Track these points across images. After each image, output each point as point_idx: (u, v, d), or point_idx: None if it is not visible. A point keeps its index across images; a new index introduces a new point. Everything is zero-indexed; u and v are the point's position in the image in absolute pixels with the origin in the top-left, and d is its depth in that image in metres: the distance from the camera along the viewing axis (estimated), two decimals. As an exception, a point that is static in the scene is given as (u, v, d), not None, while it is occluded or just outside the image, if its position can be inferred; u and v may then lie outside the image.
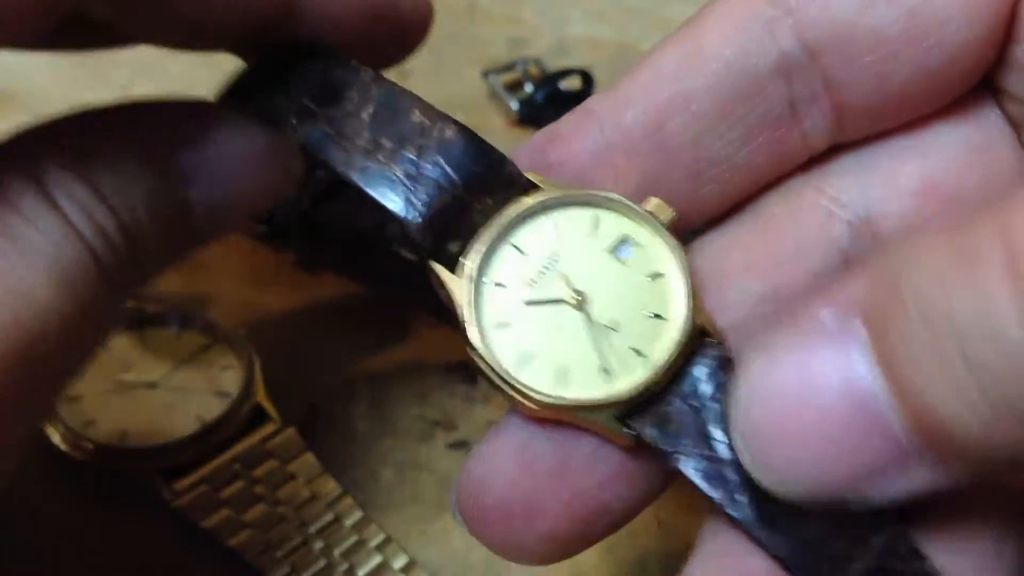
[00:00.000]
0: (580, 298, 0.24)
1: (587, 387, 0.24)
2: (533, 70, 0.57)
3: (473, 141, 0.25)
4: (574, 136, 0.27)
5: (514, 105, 0.55)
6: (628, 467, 0.25)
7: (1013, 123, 0.27)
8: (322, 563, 0.36)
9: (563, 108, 0.57)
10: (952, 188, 0.26)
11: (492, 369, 0.24)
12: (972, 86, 0.26)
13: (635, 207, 0.25)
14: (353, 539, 0.37)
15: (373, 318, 0.45)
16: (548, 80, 0.55)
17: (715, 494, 0.24)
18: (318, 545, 0.36)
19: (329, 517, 0.37)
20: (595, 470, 0.25)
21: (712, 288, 0.26)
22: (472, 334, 0.24)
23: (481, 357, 0.24)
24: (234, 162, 0.27)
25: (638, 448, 0.24)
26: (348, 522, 0.37)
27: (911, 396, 0.19)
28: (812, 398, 0.21)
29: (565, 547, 0.26)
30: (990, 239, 0.18)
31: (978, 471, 0.20)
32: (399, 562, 0.36)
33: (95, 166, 0.25)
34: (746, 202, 0.28)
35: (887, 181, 0.27)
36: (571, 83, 0.56)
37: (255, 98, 0.27)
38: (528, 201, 0.25)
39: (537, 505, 0.25)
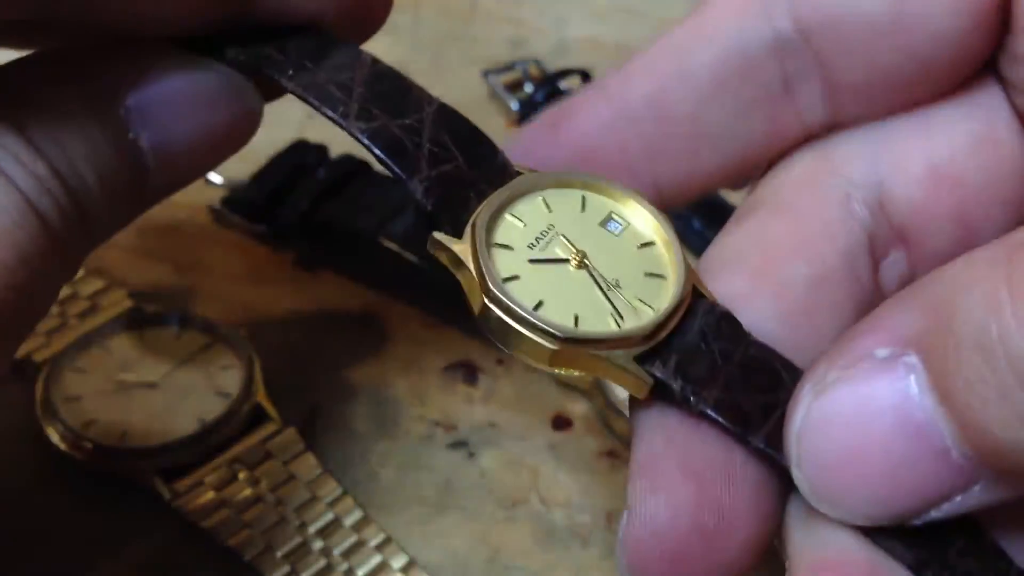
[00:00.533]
0: (582, 256, 0.25)
1: (603, 326, 0.24)
2: (533, 70, 0.57)
3: (469, 123, 0.27)
4: (584, 107, 0.28)
5: (514, 105, 0.55)
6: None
7: (1019, 113, 0.27)
8: (322, 563, 0.36)
9: (563, 108, 0.57)
10: (956, 174, 0.27)
11: (509, 310, 0.23)
12: (969, 75, 0.27)
13: (618, 186, 0.26)
14: (353, 539, 0.37)
15: (373, 318, 0.45)
16: (548, 80, 0.55)
17: (736, 427, 0.23)
18: (318, 545, 0.36)
19: (329, 517, 0.37)
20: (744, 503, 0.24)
21: (749, 274, 0.26)
22: (486, 281, 0.24)
23: (498, 299, 0.24)
24: (186, 100, 0.26)
25: (655, 396, 0.24)
26: (348, 522, 0.37)
27: (969, 423, 0.20)
28: (869, 426, 0.21)
29: None
30: (999, 268, 0.19)
31: None
32: (399, 562, 0.36)
33: (26, 115, 0.24)
34: (746, 180, 0.29)
35: (894, 165, 0.27)
36: (571, 83, 0.56)
37: (232, 49, 0.27)
38: (521, 181, 0.26)
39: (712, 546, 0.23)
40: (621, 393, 0.41)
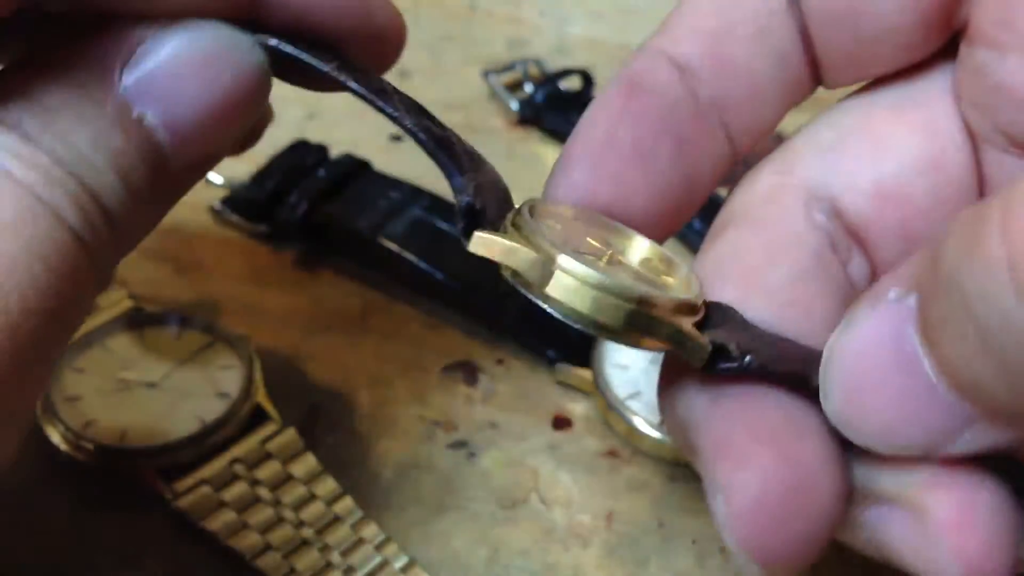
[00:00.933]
0: (612, 251, 0.26)
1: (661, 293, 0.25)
2: (533, 70, 0.57)
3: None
4: (651, 71, 0.29)
5: (514, 105, 0.55)
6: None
7: (969, 130, 0.29)
8: (322, 563, 0.36)
9: (563, 108, 0.57)
10: (903, 192, 0.29)
11: (582, 275, 0.24)
12: (919, 59, 0.29)
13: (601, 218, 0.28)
14: (353, 539, 0.37)
15: (373, 318, 0.45)
16: (548, 80, 0.55)
17: (788, 377, 0.25)
18: (318, 545, 0.36)
19: (329, 517, 0.37)
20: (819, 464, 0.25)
21: (733, 284, 0.27)
22: (551, 253, 0.24)
23: (570, 267, 0.24)
24: (185, 65, 0.25)
25: (707, 365, 0.25)
26: (348, 522, 0.37)
27: (942, 358, 0.21)
28: (876, 359, 0.23)
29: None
30: (994, 213, 0.20)
31: None
32: (399, 562, 0.36)
33: (17, 111, 0.23)
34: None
35: (846, 181, 0.29)
36: (571, 83, 0.56)
37: (268, 36, 0.26)
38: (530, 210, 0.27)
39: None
40: (621, 392, 0.41)
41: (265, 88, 0.26)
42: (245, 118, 0.26)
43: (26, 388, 0.23)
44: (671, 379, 0.27)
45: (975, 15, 0.27)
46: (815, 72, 0.30)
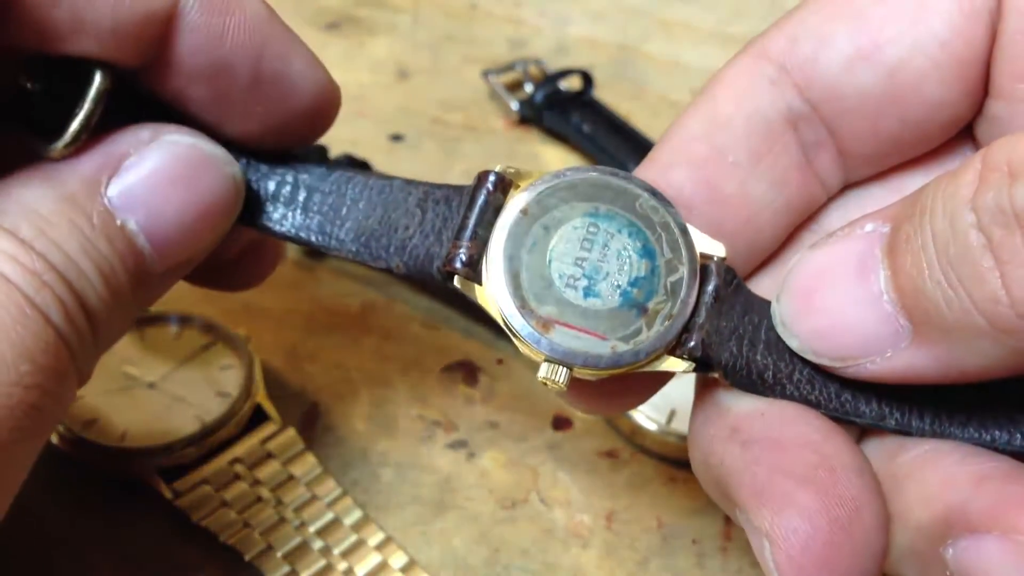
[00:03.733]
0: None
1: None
2: (533, 70, 0.57)
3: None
4: None
5: (514, 105, 0.55)
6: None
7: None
8: (322, 563, 0.36)
9: (563, 108, 0.57)
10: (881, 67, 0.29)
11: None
12: (955, 133, 0.29)
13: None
14: (353, 539, 0.37)
15: (373, 318, 0.45)
16: (548, 80, 0.56)
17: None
18: (318, 545, 0.36)
19: (329, 517, 0.37)
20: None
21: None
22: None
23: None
24: (165, 176, 0.27)
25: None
26: (348, 522, 0.37)
27: (897, 271, 0.24)
28: (834, 270, 0.25)
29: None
30: (976, 158, 0.22)
31: (955, 359, 0.23)
32: (399, 562, 0.36)
33: (15, 217, 0.25)
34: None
35: (818, 51, 0.29)
36: (571, 83, 0.56)
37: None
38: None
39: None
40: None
41: (240, 198, 0.29)
42: (221, 226, 0.28)
43: (8, 475, 0.25)
44: (700, 431, 0.28)
45: None
46: (822, 184, 0.30)
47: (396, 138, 0.54)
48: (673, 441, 0.40)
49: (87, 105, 0.26)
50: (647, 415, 0.40)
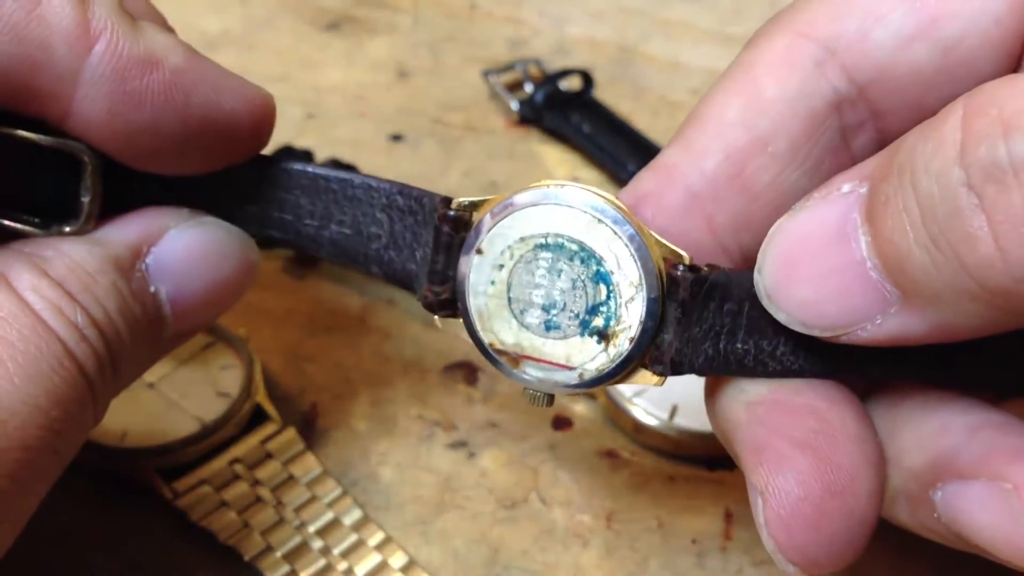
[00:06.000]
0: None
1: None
2: (533, 70, 0.57)
3: None
4: (663, 191, 0.29)
5: (514, 105, 0.55)
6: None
7: None
8: (322, 563, 0.36)
9: (563, 108, 0.57)
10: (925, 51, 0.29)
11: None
12: None
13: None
14: (353, 539, 0.37)
15: (373, 318, 0.45)
16: (548, 80, 0.55)
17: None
18: (318, 545, 0.36)
19: (329, 517, 0.37)
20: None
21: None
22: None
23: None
24: (199, 256, 0.29)
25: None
26: (348, 522, 0.37)
27: (879, 237, 0.23)
28: (814, 237, 0.24)
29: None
30: (958, 106, 0.21)
31: (946, 321, 0.23)
32: (399, 562, 0.36)
33: (65, 273, 0.27)
34: None
35: (862, 34, 0.29)
36: (571, 83, 0.56)
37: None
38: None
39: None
40: (627, 390, 0.41)
41: (254, 277, 0.31)
42: (234, 301, 0.31)
43: (22, 502, 0.26)
44: (713, 387, 0.28)
45: None
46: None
47: (396, 138, 0.54)
48: (675, 437, 0.40)
49: (90, 183, 0.28)
50: (649, 411, 0.40)
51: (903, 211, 0.22)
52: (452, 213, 0.27)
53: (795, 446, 0.25)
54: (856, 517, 0.25)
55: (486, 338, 0.27)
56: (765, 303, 0.25)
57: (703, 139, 0.28)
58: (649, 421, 0.40)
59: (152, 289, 0.28)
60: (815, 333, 0.25)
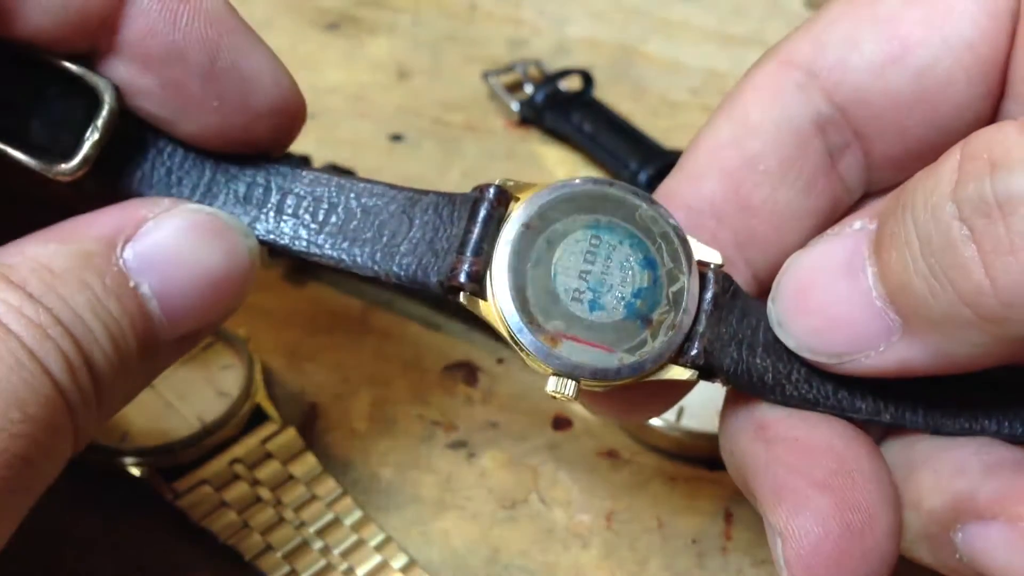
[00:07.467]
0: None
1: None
2: (533, 71, 0.57)
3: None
4: None
5: (514, 106, 0.55)
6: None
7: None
8: (322, 563, 0.36)
9: (563, 108, 0.57)
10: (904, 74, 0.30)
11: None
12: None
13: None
14: (353, 539, 0.37)
15: (373, 318, 0.45)
16: (548, 80, 0.55)
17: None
18: (318, 545, 0.36)
19: (329, 517, 0.37)
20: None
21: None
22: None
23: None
24: (181, 245, 0.27)
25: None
26: (348, 522, 0.37)
27: (884, 268, 0.24)
28: (824, 270, 0.26)
29: None
30: (956, 150, 0.23)
31: (944, 350, 0.24)
32: (399, 562, 0.36)
33: (24, 272, 0.25)
34: None
35: (844, 56, 0.30)
36: (571, 83, 0.56)
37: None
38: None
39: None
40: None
41: (255, 271, 0.28)
42: (235, 298, 0.28)
43: None
44: (729, 425, 0.29)
45: None
46: (846, 187, 0.30)
47: (396, 138, 0.54)
48: (681, 438, 0.40)
49: (101, 123, 0.26)
50: (647, 415, 0.40)
51: (905, 244, 0.23)
52: (498, 186, 0.27)
53: (815, 487, 0.25)
54: (876, 555, 0.25)
55: (523, 316, 0.26)
56: (777, 330, 0.27)
57: (698, 162, 0.30)
58: (656, 422, 0.40)
59: (132, 284, 0.26)
60: (822, 359, 0.26)
